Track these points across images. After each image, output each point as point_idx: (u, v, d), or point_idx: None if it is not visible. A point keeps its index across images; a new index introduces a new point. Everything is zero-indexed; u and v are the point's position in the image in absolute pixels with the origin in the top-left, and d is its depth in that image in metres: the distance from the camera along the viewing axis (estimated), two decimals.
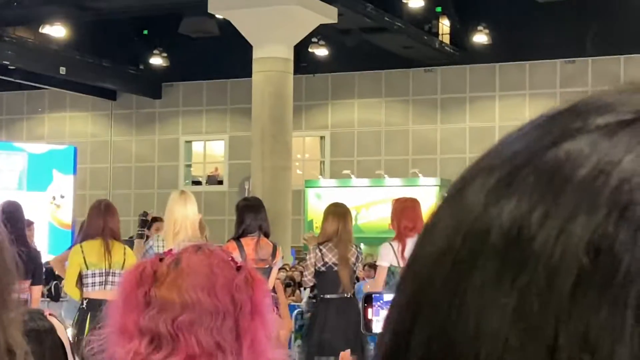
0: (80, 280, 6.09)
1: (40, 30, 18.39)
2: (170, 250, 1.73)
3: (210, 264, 1.65)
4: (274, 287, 6.24)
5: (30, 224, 8.14)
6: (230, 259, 1.70)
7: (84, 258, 6.03)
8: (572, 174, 0.38)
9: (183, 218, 5.86)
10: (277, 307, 5.58)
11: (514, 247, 0.37)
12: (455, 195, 0.41)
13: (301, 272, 11.50)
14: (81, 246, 6.11)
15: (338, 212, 6.59)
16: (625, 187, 0.36)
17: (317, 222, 17.03)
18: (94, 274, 6.05)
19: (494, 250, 0.38)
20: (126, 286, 1.66)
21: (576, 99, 0.42)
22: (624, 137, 0.38)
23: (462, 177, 0.41)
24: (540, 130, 0.41)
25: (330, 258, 6.45)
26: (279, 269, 7.47)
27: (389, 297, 2.55)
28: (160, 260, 1.69)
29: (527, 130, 0.41)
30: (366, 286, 7.74)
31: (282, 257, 7.11)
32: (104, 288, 6.04)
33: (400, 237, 6.04)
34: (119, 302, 1.67)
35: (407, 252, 6.21)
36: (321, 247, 6.50)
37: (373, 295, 2.67)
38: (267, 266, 6.02)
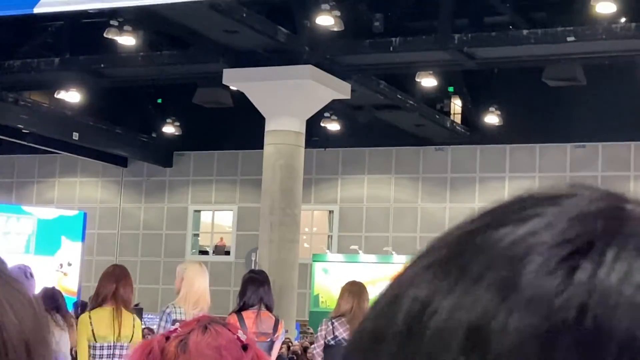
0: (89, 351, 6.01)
1: (55, 95, 18.58)
2: (176, 329, 1.70)
3: (218, 346, 1.63)
4: None
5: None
6: (236, 337, 1.67)
7: (92, 331, 5.94)
8: (467, 268, 0.41)
9: (203, 290, 6.00)
10: None
11: (409, 337, 0.40)
12: (394, 279, 0.44)
13: (305, 348, 11.40)
14: (90, 316, 6.02)
15: (354, 291, 6.64)
16: (506, 269, 0.40)
17: (323, 296, 16.99)
18: (102, 346, 5.97)
19: (397, 338, 0.40)
20: None
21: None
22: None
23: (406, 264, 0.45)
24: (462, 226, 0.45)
25: (341, 333, 6.45)
26: (282, 343, 7.43)
27: None
28: (167, 339, 1.66)
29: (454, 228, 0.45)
30: None
31: (286, 331, 7.10)
32: None
33: None
34: None
35: None
36: (334, 320, 6.51)
37: None
38: (268, 340, 6.01)
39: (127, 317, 6.06)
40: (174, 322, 5.76)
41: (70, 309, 12.83)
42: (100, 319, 5.96)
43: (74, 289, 15.19)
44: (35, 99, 18.43)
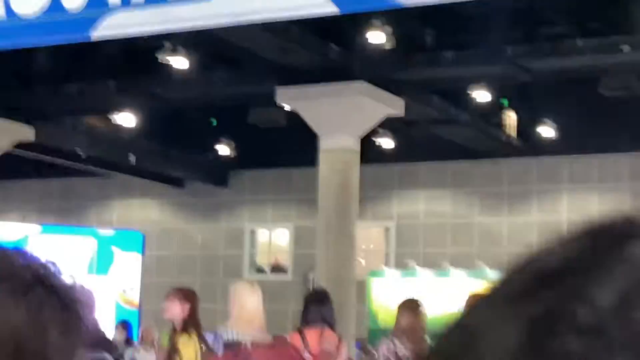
0: None
1: (111, 118, 18.78)
2: (244, 347, 1.72)
3: None
4: None
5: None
6: (299, 355, 1.68)
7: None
8: None
9: (255, 309, 5.93)
10: None
11: None
12: None
13: None
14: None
15: (411, 307, 6.61)
16: None
17: (381, 313, 16.90)
18: None
19: None
20: None
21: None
22: None
23: None
24: None
25: (403, 351, 6.42)
26: None
27: None
28: (235, 356, 1.68)
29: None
30: None
31: (347, 351, 7.08)
32: None
33: None
34: None
35: None
36: (394, 339, 6.48)
37: None
38: (331, 358, 6.00)
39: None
40: (225, 343, 5.75)
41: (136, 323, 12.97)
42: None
43: (135, 300, 15.43)
44: (92, 123, 18.66)
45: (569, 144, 18.30)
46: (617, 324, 0.34)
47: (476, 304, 0.40)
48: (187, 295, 6.93)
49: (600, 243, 0.38)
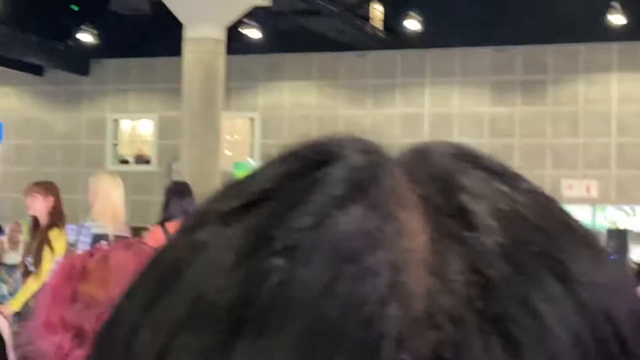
0: None
1: None
2: (101, 245, 1.70)
3: (139, 262, 1.62)
4: None
5: None
6: None
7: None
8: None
9: (118, 202, 5.91)
10: None
11: None
12: None
13: None
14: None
15: None
16: None
17: None
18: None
19: None
20: (55, 280, 1.64)
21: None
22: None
23: None
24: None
25: None
26: None
27: None
28: (91, 255, 1.66)
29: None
30: None
31: None
32: None
33: None
34: (47, 295, 1.64)
35: None
36: None
37: None
38: None
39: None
40: (95, 237, 5.71)
41: None
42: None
43: None
44: None
45: (433, 38, 18.51)
46: (310, 242, 0.38)
47: (192, 223, 0.43)
48: (49, 188, 6.80)
49: (296, 168, 0.44)
